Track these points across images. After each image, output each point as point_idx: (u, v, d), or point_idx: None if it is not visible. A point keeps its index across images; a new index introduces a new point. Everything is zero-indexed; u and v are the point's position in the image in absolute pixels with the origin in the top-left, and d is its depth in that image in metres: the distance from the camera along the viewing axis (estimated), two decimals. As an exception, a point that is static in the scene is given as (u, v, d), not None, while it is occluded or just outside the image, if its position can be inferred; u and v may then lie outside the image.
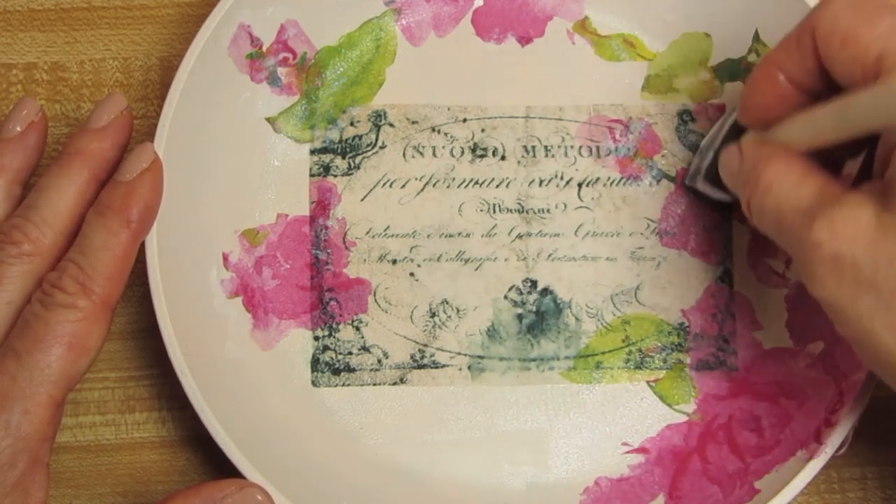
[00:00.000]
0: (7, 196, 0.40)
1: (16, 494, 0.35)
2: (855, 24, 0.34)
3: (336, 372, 0.43)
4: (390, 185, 0.44)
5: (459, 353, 0.43)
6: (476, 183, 0.44)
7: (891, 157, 0.33)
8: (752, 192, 0.36)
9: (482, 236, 0.44)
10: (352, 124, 0.44)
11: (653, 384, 0.44)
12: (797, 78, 0.37)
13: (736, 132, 0.41)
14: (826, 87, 0.36)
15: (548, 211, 0.44)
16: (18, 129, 0.40)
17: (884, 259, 0.31)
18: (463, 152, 0.45)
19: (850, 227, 0.32)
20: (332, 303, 0.44)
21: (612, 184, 0.44)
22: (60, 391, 0.36)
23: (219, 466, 0.43)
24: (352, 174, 0.44)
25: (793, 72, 0.37)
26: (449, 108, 0.45)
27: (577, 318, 0.44)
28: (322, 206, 0.44)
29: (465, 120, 0.45)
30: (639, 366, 0.44)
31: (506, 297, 0.44)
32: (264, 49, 0.43)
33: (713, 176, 0.41)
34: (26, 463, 0.36)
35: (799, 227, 0.33)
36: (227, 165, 0.43)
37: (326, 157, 0.44)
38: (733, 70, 0.45)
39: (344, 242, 0.44)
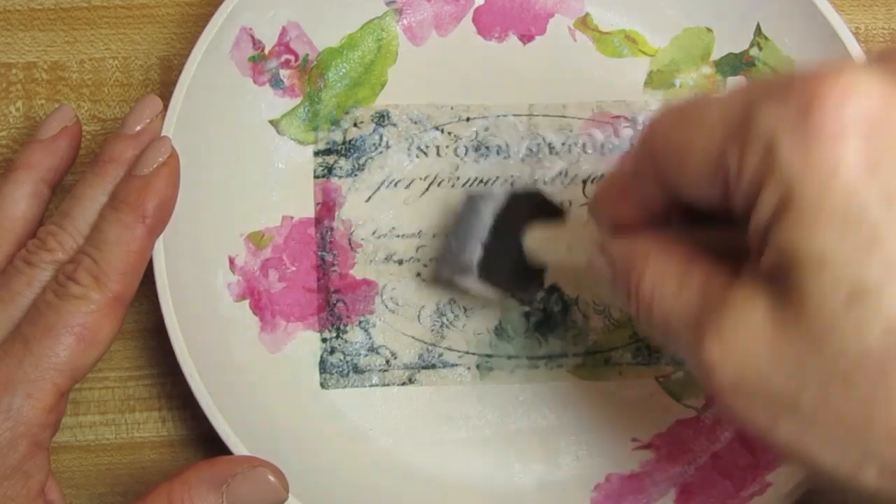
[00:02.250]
0: (34, 194, 0.40)
1: (16, 477, 0.35)
2: (691, 134, 0.28)
3: (344, 373, 0.43)
4: (395, 186, 0.44)
5: (468, 353, 0.44)
6: (481, 181, 0.44)
7: (767, 232, 0.26)
8: (634, 307, 0.31)
9: (488, 235, 0.44)
10: (355, 125, 0.44)
11: (662, 380, 0.44)
12: (643, 195, 0.32)
13: (515, 217, 0.39)
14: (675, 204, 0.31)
15: (553, 208, 0.44)
16: (52, 133, 0.40)
17: (792, 367, 0.26)
18: (467, 151, 0.45)
19: (742, 338, 0.26)
20: (339, 304, 0.44)
21: None
22: (66, 381, 0.36)
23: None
24: (356, 175, 0.44)
25: (636, 189, 0.32)
26: (452, 108, 0.45)
27: (584, 315, 0.44)
28: (327, 207, 0.44)
29: (468, 119, 0.45)
30: (647, 362, 0.44)
31: (513, 295, 0.44)
32: (266, 51, 0.43)
33: (488, 273, 0.39)
34: (27, 446, 0.35)
35: (691, 348, 0.28)
36: (231, 169, 0.43)
37: (330, 159, 0.44)
38: (735, 64, 0.45)
39: (350, 243, 0.44)
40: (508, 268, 0.40)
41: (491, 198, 0.40)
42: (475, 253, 0.39)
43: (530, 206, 0.40)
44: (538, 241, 0.39)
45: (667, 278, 0.30)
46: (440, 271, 0.42)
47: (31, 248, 0.38)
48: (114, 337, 0.38)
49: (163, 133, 0.40)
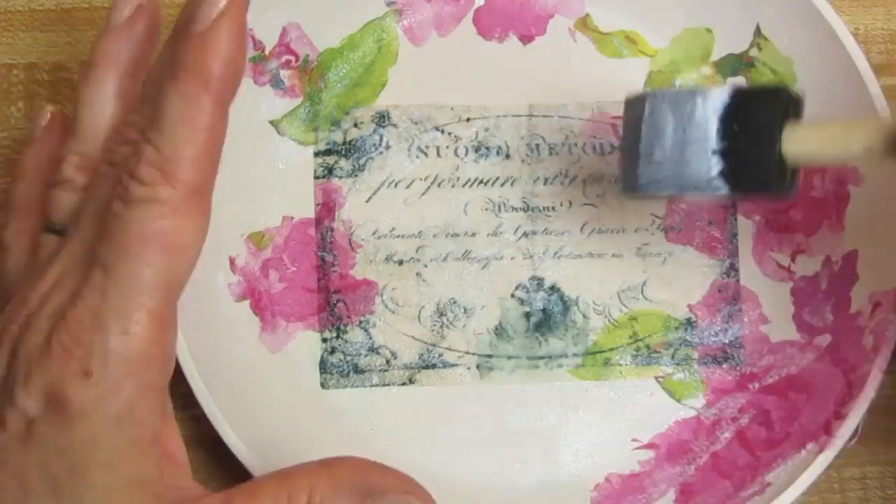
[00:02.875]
0: (119, 93, 0.35)
1: (124, 426, 0.30)
2: None
3: (344, 373, 0.43)
4: (395, 186, 0.44)
5: (468, 353, 0.44)
6: (481, 182, 0.44)
7: None
8: None
9: (488, 235, 0.44)
10: (355, 126, 0.44)
11: (661, 379, 0.44)
12: None
13: (754, 115, 0.35)
14: None
15: (553, 209, 0.44)
16: (126, 15, 0.35)
17: None
18: (467, 151, 0.45)
19: None
20: (340, 304, 0.44)
21: (616, 180, 0.44)
22: (160, 302, 0.31)
23: (221, 466, 0.43)
24: (356, 175, 0.44)
25: None
26: (452, 108, 0.45)
27: (584, 316, 0.44)
28: (327, 207, 0.44)
29: (468, 119, 0.45)
30: (647, 362, 0.44)
31: (513, 295, 0.44)
32: (267, 52, 0.43)
33: (739, 181, 0.35)
34: (133, 389, 0.30)
35: None
36: (231, 169, 0.43)
37: (331, 159, 0.44)
38: (735, 65, 0.45)
39: (350, 244, 0.44)
40: (769, 174, 0.35)
41: (705, 97, 0.35)
42: (712, 164, 0.35)
43: (773, 104, 0.35)
44: (816, 144, 0.35)
45: None
46: (656, 184, 0.36)
47: (112, 145, 0.33)
48: (203, 236, 0.32)
49: None
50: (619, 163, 0.38)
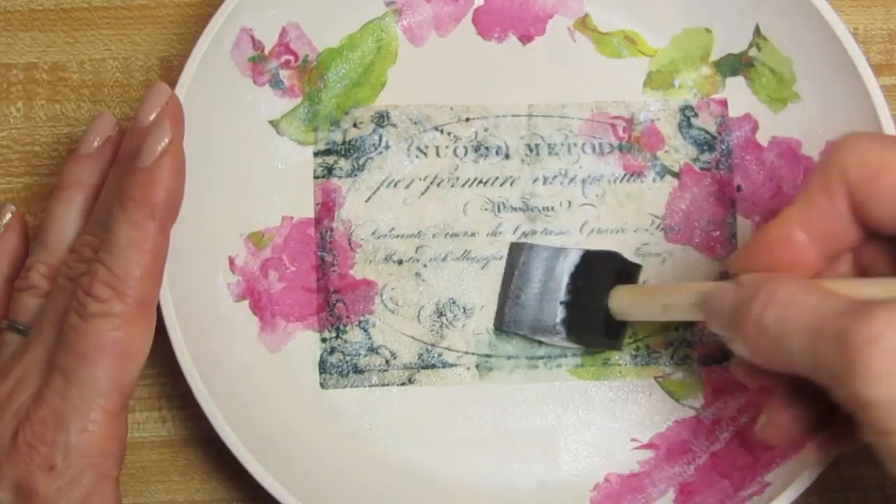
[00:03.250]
0: (84, 213, 0.39)
1: None
2: (888, 155, 0.32)
3: (344, 373, 0.43)
4: (394, 186, 0.44)
5: (467, 353, 0.44)
6: (480, 182, 0.44)
7: None
8: (763, 307, 0.31)
9: (487, 235, 0.44)
10: (355, 125, 0.44)
11: (660, 380, 0.44)
12: (824, 231, 0.34)
13: (593, 276, 0.41)
14: (859, 236, 0.34)
15: (552, 209, 0.44)
16: (96, 144, 0.40)
17: None
18: (466, 151, 0.45)
19: None
20: (339, 304, 0.44)
21: (615, 180, 0.45)
22: (115, 403, 0.35)
23: (220, 466, 0.43)
24: (356, 175, 0.44)
25: (817, 225, 0.34)
26: (451, 108, 0.45)
27: (583, 315, 0.44)
28: (327, 207, 0.44)
29: (467, 119, 0.45)
30: (646, 362, 0.44)
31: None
32: (266, 52, 0.43)
33: (575, 331, 0.41)
34: (92, 479, 0.35)
35: (840, 329, 0.29)
36: (231, 169, 0.43)
37: (330, 159, 0.44)
38: (734, 65, 0.45)
39: (349, 244, 0.44)
40: (596, 325, 0.41)
41: (565, 255, 0.42)
42: (557, 313, 0.41)
43: (606, 266, 0.41)
44: (627, 302, 0.40)
45: (809, 290, 0.31)
46: (516, 324, 0.43)
47: (69, 261, 0.38)
48: (149, 342, 0.36)
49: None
50: (498, 299, 0.44)
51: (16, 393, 0.36)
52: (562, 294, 0.41)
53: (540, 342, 0.43)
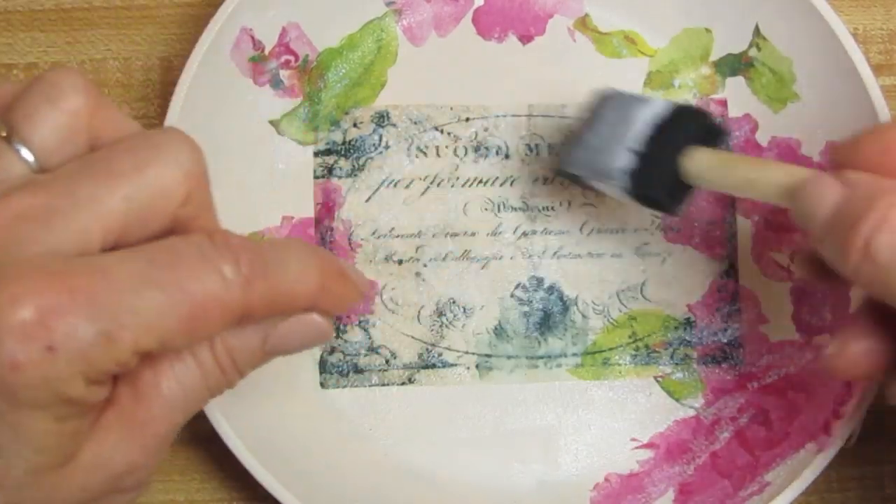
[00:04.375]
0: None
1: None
2: None
3: (344, 373, 0.43)
4: (394, 186, 0.44)
5: (467, 352, 0.44)
6: (480, 182, 0.44)
7: None
8: (876, 227, 0.28)
9: (487, 235, 0.44)
10: (355, 125, 0.45)
11: (660, 379, 0.44)
12: None
13: (674, 132, 0.38)
14: None
15: (552, 208, 0.44)
16: None
17: None
18: (466, 151, 0.45)
19: None
20: (339, 304, 0.44)
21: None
22: (150, 343, 0.27)
23: (220, 465, 0.43)
24: (356, 175, 0.44)
25: None
26: (451, 108, 0.45)
27: (583, 315, 0.44)
28: (327, 207, 0.44)
29: (467, 119, 0.45)
30: (646, 361, 0.44)
31: (512, 295, 0.44)
32: (266, 52, 0.43)
33: (638, 184, 0.38)
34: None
35: None
36: (231, 169, 0.43)
37: (330, 159, 0.44)
38: (734, 65, 0.45)
39: (349, 243, 0.44)
40: (664, 182, 0.38)
41: (649, 105, 0.38)
42: (623, 158, 0.38)
43: (689, 123, 0.38)
44: (706, 164, 0.37)
45: None
46: (575, 163, 0.40)
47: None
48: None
49: None
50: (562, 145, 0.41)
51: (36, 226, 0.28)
52: (634, 141, 0.38)
53: (539, 342, 0.43)
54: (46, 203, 0.27)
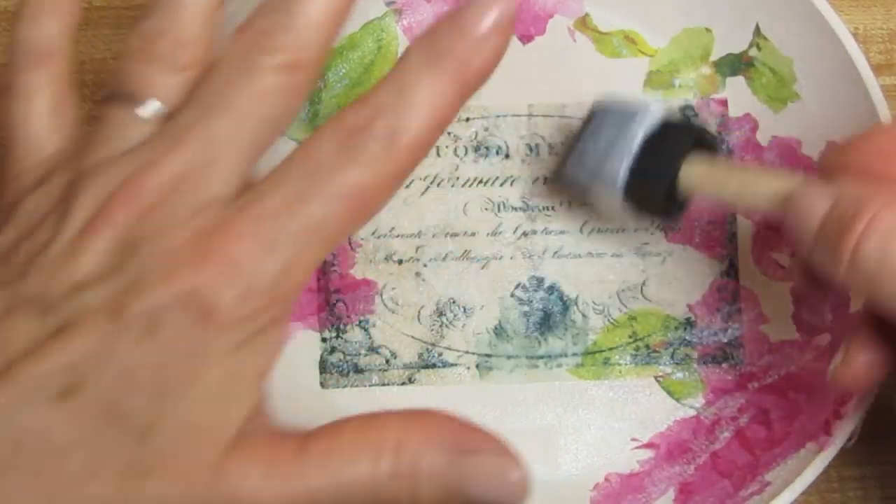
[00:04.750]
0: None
1: (250, 345, 0.28)
2: None
3: (344, 373, 0.43)
4: (395, 186, 0.44)
5: (467, 352, 0.44)
6: (480, 182, 0.44)
7: None
8: (864, 233, 0.29)
9: (487, 235, 0.44)
10: (355, 125, 0.44)
11: (660, 379, 0.44)
12: None
13: (668, 142, 0.38)
14: None
15: (552, 208, 0.44)
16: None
17: None
18: (466, 151, 0.45)
19: None
20: (339, 304, 0.44)
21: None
22: (326, 251, 0.29)
23: (221, 469, 0.43)
24: (356, 175, 0.44)
25: None
26: (452, 108, 0.45)
27: (583, 315, 0.44)
28: (327, 207, 0.44)
29: (467, 119, 0.45)
30: (646, 361, 0.44)
31: (512, 295, 0.44)
32: (266, 51, 0.43)
33: (633, 192, 0.39)
34: (269, 319, 0.28)
35: None
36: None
37: (330, 159, 0.44)
38: (734, 65, 0.45)
39: (349, 243, 0.44)
40: (660, 190, 0.39)
41: (644, 114, 0.39)
42: (621, 166, 0.39)
43: (684, 135, 0.39)
44: (702, 172, 0.38)
45: None
46: (572, 173, 0.40)
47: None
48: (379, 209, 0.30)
49: None
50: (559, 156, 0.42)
51: (192, 182, 0.28)
52: (631, 152, 0.39)
53: (539, 342, 0.43)
54: (191, 158, 0.28)
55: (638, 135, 0.39)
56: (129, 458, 0.26)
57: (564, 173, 0.41)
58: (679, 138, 0.39)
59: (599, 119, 0.40)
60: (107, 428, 0.26)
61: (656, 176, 0.39)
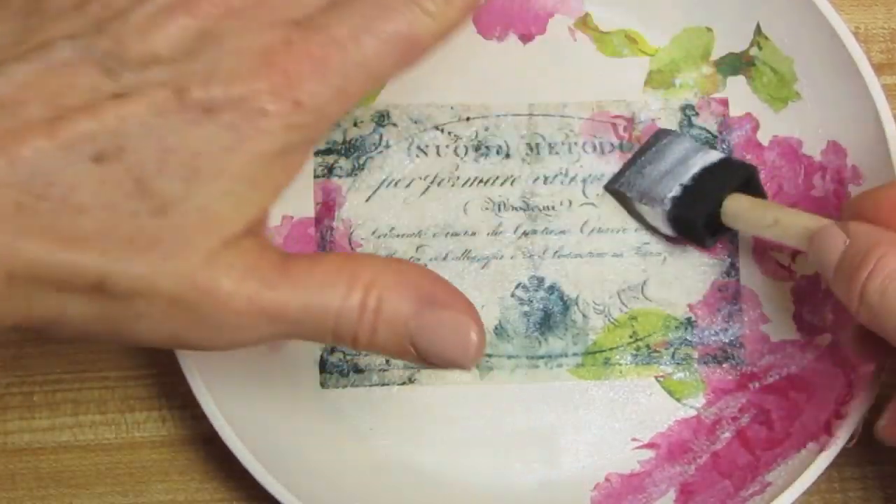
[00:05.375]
0: None
1: (282, 155, 0.30)
2: None
3: (344, 373, 0.43)
4: (395, 185, 0.44)
5: (467, 352, 0.43)
6: (480, 181, 0.44)
7: None
8: (871, 276, 0.33)
9: (488, 234, 0.44)
10: (355, 125, 0.44)
11: (661, 379, 0.44)
12: None
13: (719, 177, 0.42)
14: None
15: (553, 208, 0.44)
16: None
17: None
18: (467, 151, 0.45)
19: None
20: (339, 304, 0.43)
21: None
22: (371, 87, 0.31)
23: (220, 466, 0.43)
24: (356, 175, 0.44)
25: None
26: (452, 107, 0.45)
27: (584, 315, 0.44)
28: (327, 207, 0.44)
29: (468, 118, 0.45)
30: (647, 361, 0.44)
31: (512, 294, 0.44)
32: (266, 51, 0.43)
33: (679, 212, 0.42)
34: (305, 137, 0.30)
35: None
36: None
37: (330, 158, 0.44)
38: (735, 64, 0.45)
39: (350, 243, 0.44)
40: (701, 216, 0.41)
41: (704, 152, 0.43)
42: (673, 189, 0.42)
43: (735, 175, 0.42)
44: (742, 207, 0.40)
45: None
46: (629, 186, 0.43)
47: None
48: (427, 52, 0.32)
49: None
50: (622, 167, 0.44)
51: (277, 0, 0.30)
52: (686, 178, 0.42)
53: (540, 342, 0.43)
54: None
55: (696, 165, 0.42)
56: (140, 229, 0.28)
57: (621, 183, 0.44)
58: (729, 175, 0.42)
59: (668, 143, 0.43)
60: (131, 197, 0.28)
61: (700, 204, 0.41)
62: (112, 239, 0.28)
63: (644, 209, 0.43)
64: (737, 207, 0.40)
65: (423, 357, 0.31)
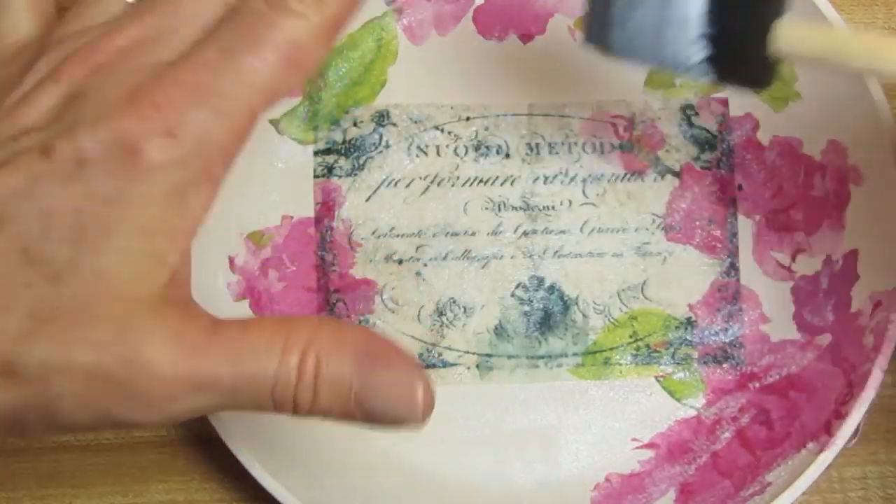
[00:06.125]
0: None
1: (174, 197, 0.28)
2: None
3: (344, 373, 0.43)
4: (395, 185, 0.44)
5: (467, 352, 0.44)
6: (480, 181, 0.44)
7: None
8: None
9: (488, 234, 0.44)
10: (355, 125, 0.44)
11: (661, 379, 0.44)
12: None
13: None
14: None
15: (553, 208, 0.44)
16: None
17: None
18: (467, 151, 0.45)
19: None
20: (339, 304, 0.44)
21: (616, 180, 0.44)
22: (262, 103, 0.30)
23: (220, 466, 0.43)
24: (356, 175, 0.44)
25: None
26: (452, 107, 0.45)
27: (584, 315, 0.44)
28: (327, 207, 0.44)
29: (468, 118, 0.45)
30: (647, 361, 0.44)
31: (513, 294, 0.44)
32: (266, 51, 0.43)
33: (723, 63, 0.33)
34: (199, 169, 0.29)
35: None
36: (231, 168, 0.43)
37: (330, 158, 0.44)
38: (735, 64, 0.45)
39: (349, 243, 0.44)
40: (757, 56, 0.33)
41: None
42: (699, 50, 0.33)
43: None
44: (799, 36, 0.33)
45: None
46: (618, 44, 0.35)
47: None
48: (318, 65, 0.31)
49: None
50: (584, 16, 0.36)
51: (138, 52, 0.30)
52: (695, 27, 0.33)
53: (540, 342, 0.43)
54: (155, 23, 0.30)
55: (694, 4, 0.33)
56: (39, 300, 0.27)
57: (614, 48, 0.35)
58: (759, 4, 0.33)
59: None
60: (21, 268, 0.27)
61: (743, 45, 0.33)
62: (10, 315, 0.27)
63: (658, 39, 0.34)
64: (790, 36, 0.33)
65: (370, 416, 0.30)
